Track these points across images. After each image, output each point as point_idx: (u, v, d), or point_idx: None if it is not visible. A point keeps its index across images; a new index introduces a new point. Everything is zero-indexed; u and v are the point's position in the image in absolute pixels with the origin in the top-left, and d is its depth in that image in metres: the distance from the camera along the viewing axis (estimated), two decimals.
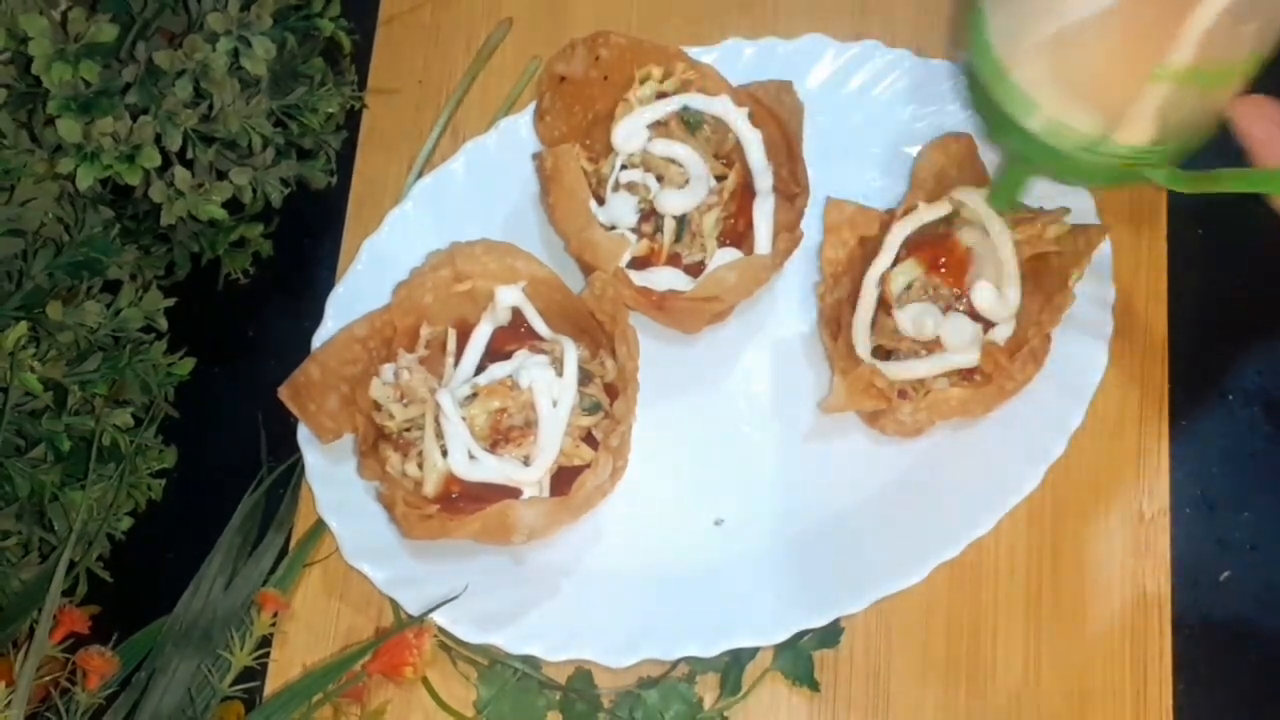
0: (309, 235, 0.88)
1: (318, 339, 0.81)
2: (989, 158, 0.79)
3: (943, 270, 0.76)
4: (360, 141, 0.90)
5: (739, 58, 0.85)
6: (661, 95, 0.82)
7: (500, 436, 0.75)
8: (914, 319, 0.75)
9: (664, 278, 0.79)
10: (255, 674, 0.73)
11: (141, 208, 0.82)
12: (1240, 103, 0.64)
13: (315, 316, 0.82)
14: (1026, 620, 0.75)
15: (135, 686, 0.74)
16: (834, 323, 0.77)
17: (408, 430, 0.77)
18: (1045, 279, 0.75)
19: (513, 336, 0.79)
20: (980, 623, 0.75)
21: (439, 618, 0.74)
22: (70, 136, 0.73)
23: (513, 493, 0.74)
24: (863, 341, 0.76)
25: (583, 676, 0.75)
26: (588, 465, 0.74)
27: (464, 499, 0.75)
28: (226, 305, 0.87)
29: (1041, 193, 0.77)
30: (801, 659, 0.74)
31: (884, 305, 0.76)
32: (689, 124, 0.81)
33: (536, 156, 0.85)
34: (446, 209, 0.84)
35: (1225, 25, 0.60)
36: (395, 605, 0.77)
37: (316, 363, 0.78)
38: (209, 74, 0.76)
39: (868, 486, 0.76)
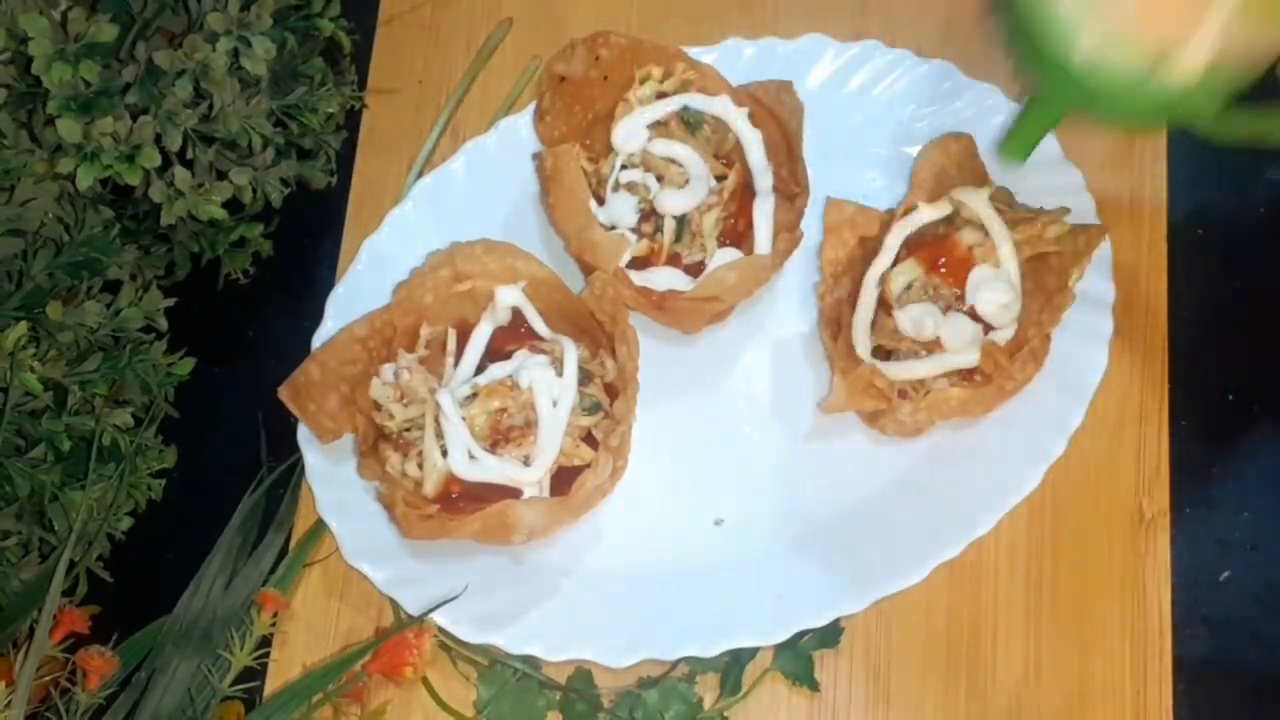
0: (309, 235, 0.88)
1: (318, 339, 0.81)
2: (989, 158, 0.80)
3: (943, 270, 0.76)
4: (360, 141, 0.90)
5: (739, 58, 0.85)
6: (661, 95, 0.82)
7: (500, 436, 0.75)
8: (914, 319, 0.75)
9: (664, 278, 0.79)
10: (255, 674, 0.73)
11: (141, 208, 0.82)
12: None
13: (315, 316, 0.82)
14: (1026, 620, 0.75)
15: (135, 686, 0.74)
16: (834, 323, 0.77)
17: (408, 430, 0.77)
18: (1045, 279, 0.75)
19: (513, 336, 0.79)
20: (980, 623, 0.75)
21: (439, 618, 0.74)
22: (70, 136, 0.73)
23: (513, 493, 0.74)
24: (863, 341, 0.76)
25: (583, 676, 0.75)
26: (588, 465, 0.74)
27: (464, 499, 0.74)
28: (226, 305, 0.87)
29: (1042, 193, 0.77)
30: (801, 659, 0.74)
31: (884, 305, 0.76)
32: (689, 124, 0.81)
33: (536, 156, 0.85)
34: (446, 209, 0.84)
35: None
36: (395, 605, 0.77)
37: (316, 363, 0.78)
38: (209, 74, 0.76)
39: (868, 486, 0.76)
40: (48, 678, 0.72)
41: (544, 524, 0.74)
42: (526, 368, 0.75)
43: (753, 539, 0.76)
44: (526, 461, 0.74)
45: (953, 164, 0.79)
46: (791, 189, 0.80)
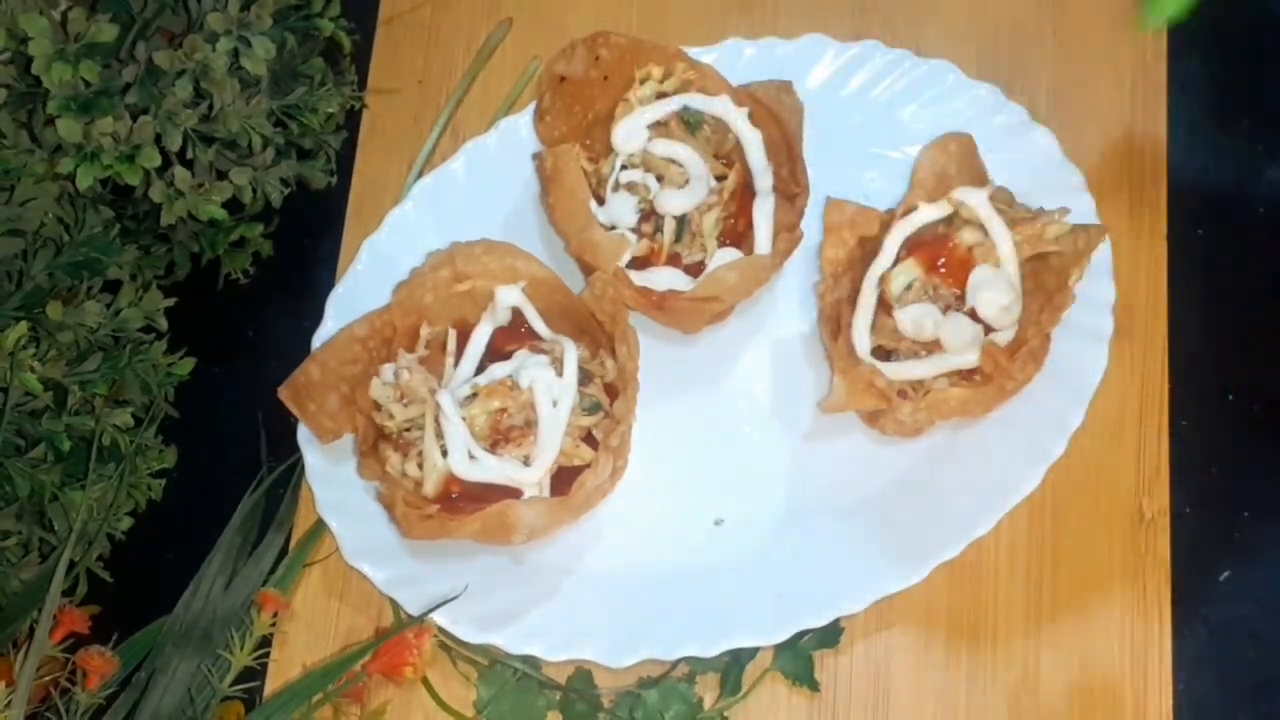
0: (309, 235, 0.88)
1: (318, 339, 0.81)
2: (989, 158, 0.79)
3: (943, 271, 0.76)
4: (360, 141, 0.90)
5: (739, 58, 0.85)
6: (661, 95, 0.82)
7: (500, 436, 0.75)
8: (914, 320, 0.75)
9: (664, 278, 0.79)
10: (255, 674, 0.73)
11: (141, 208, 0.82)
12: None
13: (315, 316, 0.82)
14: (1026, 620, 0.75)
15: (135, 686, 0.74)
16: (834, 323, 0.77)
17: (408, 430, 0.77)
18: (1045, 279, 0.75)
19: (513, 336, 0.79)
20: (980, 622, 0.75)
21: (439, 618, 0.74)
22: (70, 136, 0.73)
23: (513, 493, 0.74)
24: (863, 342, 0.75)
25: (583, 676, 0.75)
26: (588, 465, 0.74)
27: (464, 499, 0.74)
28: (226, 305, 0.87)
29: (1042, 193, 0.77)
30: (801, 659, 0.74)
31: (884, 305, 0.76)
32: (689, 124, 0.81)
33: (536, 156, 0.85)
34: (446, 209, 0.84)
35: None
36: (395, 605, 0.77)
37: (316, 363, 0.78)
38: (209, 74, 0.76)
39: (868, 486, 0.76)
40: (48, 678, 0.72)
41: (544, 524, 0.74)
42: (526, 368, 0.75)
43: (753, 539, 0.76)
44: (526, 461, 0.74)
45: (953, 164, 0.79)
46: (791, 189, 0.79)
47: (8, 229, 0.75)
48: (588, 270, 0.79)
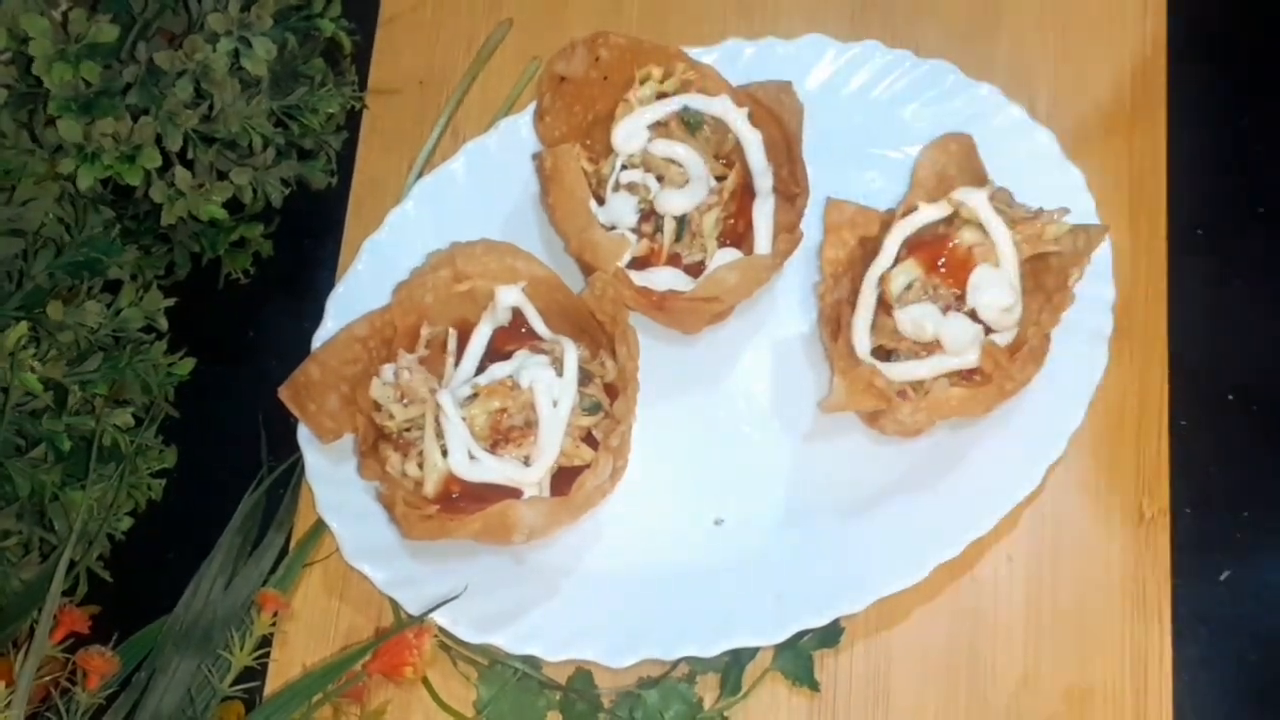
0: (309, 235, 0.88)
1: (318, 339, 0.81)
2: (989, 158, 0.79)
3: (943, 271, 0.76)
4: (360, 142, 0.90)
5: (739, 58, 0.85)
6: (661, 95, 0.82)
7: (500, 437, 0.75)
8: (914, 320, 0.75)
9: (664, 278, 0.79)
10: (255, 674, 0.73)
11: (142, 208, 0.82)
12: None
13: (315, 316, 0.82)
14: (1026, 620, 0.75)
15: (135, 687, 0.74)
16: (834, 323, 0.77)
17: (408, 430, 0.77)
18: (1045, 279, 0.75)
19: (513, 336, 0.79)
20: (980, 622, 0.75)
21: (439, 618, 0.74)
22: (71, 137, 0.73)
23: (513, 493, 0.74)
24: (863, 342, 0.75)
25: (583, 676, 0.75)
26: (588, 465, 0.74)
27: (464, 499, 0.74)
28: (227, 305, 0.87)
29: (1042, 193, 0.77)
30: (802, 659, 0.74)
31: (884, 305, 0.76)
32: (689, 124, 0.81)
33: (536, 157, 0.85)
34: (447, 209, 0.84)
35: None
36: (395, 605, 0.77)
37: (317, 363, 0.78)
38: (209, 74, 0.76)
39: (868, 486, 0.76)
40: (48, 678, 0.72)
41: (544, 524, 0.74)
42: (527, 368, 0.75)
43: (753, 539, 0.76)
44: (527, 462, 0.74)
45: (953, 164, 0.79)
46: (791, 189, 0.80)
47: (8, 229, 0.75)
48: (588, 270, 0.79)
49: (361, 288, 0.82)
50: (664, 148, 0.80)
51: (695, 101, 0.81)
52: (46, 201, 0.76)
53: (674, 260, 0.80)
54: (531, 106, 0.85)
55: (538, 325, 0.79)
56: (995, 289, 0.74)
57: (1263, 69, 0.86)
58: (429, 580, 0.75)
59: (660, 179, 0.80)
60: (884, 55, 0.84)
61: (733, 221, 0.80)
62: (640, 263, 0.80)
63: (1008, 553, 0.76)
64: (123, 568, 0.80)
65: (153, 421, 0.81)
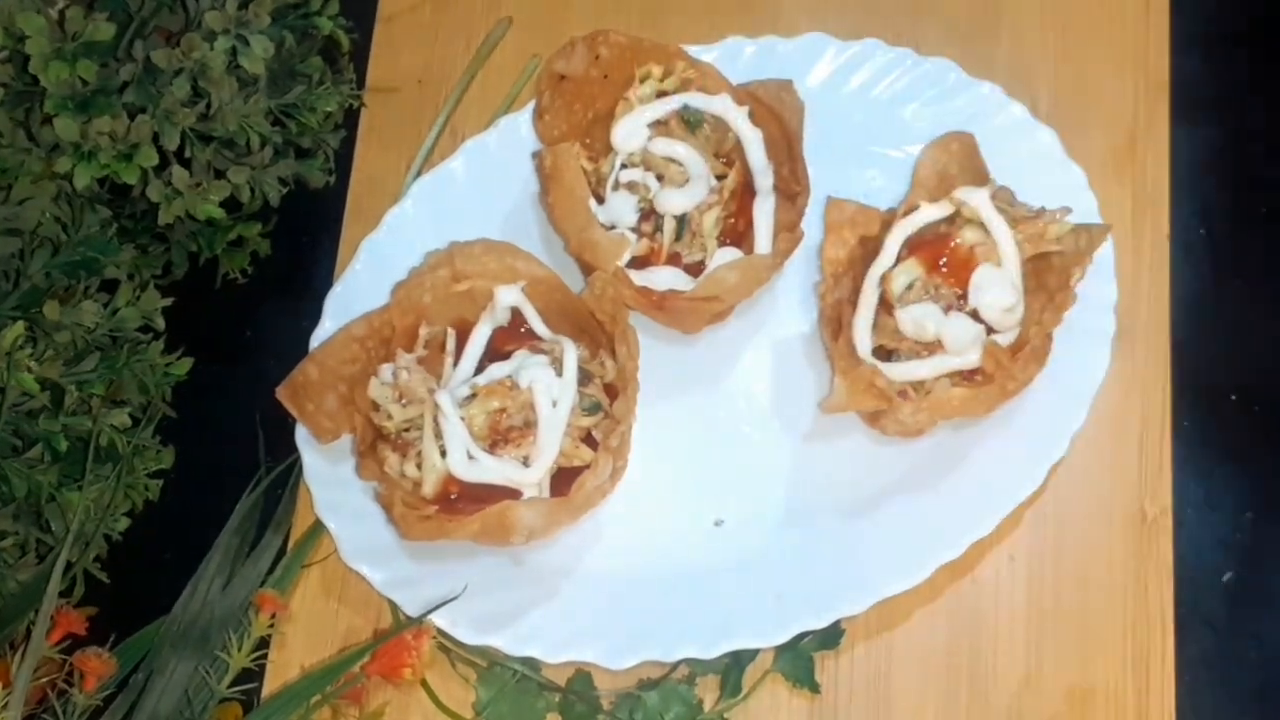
0: (307, 234, 0.88)
1: (316, 339, 0.81)
2: (991, 157, 0.79)
3: (944, 270, 0.75)
4: (359, 140, 0.90)
5: (739, 56, 0.84)
6: (662, 94, 0.82)
7: (499, 437, 0.75)
8: (915, 320, 0.74)
9: (664, 277, 0.79)
10: (253, 675, 0.73)
11: (139, 207, 0.81)
12: None
13: (313, 316, 0.82)
14: (1028, 621, 0.75)
15: (132, 688, 0.74)
16: (834, 322, 0.77)
17: (406, 431, 0.76)
18: (1047, 278, 0.75)
19: (512, 336, 0.79)
20: (981, 623, 0.75)
21: (438, 619, 0.74)
22: (67, 135, 0.73)
23: (512, 493, 0.74)
24: (863, 342, 0.75)
25: (582, 678, 0.75)
26: (587, 466, 0.74)
27: (463, 500, 0.74)
28: (224, 305, 0.87)
29: (1044, 192, 0.77)
30: (802, 660, 0.74)
31: (885, 305, 0.76)
32: (689, 123, 0.81)
33: (536, 155, 0.85)
34: (446, 208, 0.84)
35: None
36: (394, 606, 0.76)
37: (315, 362, 0.77)
38: (207, 73, 0.75)
39: (868, 486, 0.76)
40: (45, 679, 0.72)
41: (543, 525, 0.74)
42: (526, 368, 0.75)
43: (753, 539, 0.76)
44: (526, 462, 0.74)
45: (954, 163, 0.78)
46: (792, 188, 0.79)
47: (5, 228, 0.75)
48: (587, 270, 0.79)
49: (360, 287, 0.82)
50: (664, 146, 0.80)
51: (695, 100, 0.81)
52: (43, 200, 0.76)
53: (674, 259, 0.80)
54: (531, 105, 0.85)
55: (537, 325, 0.78)
56: (997, 289, 0.74)
57: (1265, 68, 0.85)
58: (428, 581, 0.75)
59: (660, 178, 0.80)
60: (885, 54, 0.84)
61: (733, 221, 0.80)
62: (640, 262, 0.80)
63: (1009, 553, 0.76)
64: (120, 569, 0.80)
65: (150, 422, 0.81)
